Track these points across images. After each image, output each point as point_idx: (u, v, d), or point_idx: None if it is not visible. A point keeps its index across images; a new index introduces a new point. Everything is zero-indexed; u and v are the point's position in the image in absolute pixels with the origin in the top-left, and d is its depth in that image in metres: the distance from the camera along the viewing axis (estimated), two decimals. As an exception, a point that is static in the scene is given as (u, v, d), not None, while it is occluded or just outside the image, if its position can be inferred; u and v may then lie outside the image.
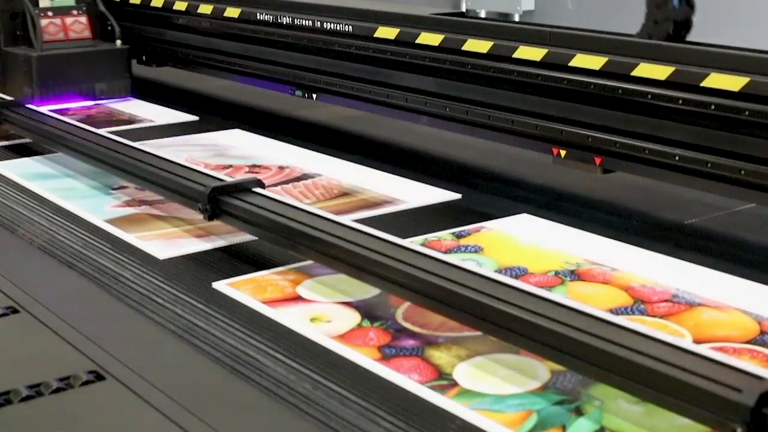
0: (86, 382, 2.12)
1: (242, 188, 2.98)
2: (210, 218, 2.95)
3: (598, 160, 3.21)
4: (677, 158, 2.93)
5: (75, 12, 4.88)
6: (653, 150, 3.01)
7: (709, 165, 2.85)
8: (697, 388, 1.71)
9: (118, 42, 4.91)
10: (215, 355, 2.26)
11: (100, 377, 2.13)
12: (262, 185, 3.03)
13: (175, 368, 2.24)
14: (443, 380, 2.10)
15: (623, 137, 3.10)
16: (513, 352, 2.20)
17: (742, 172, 2.76)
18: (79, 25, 4.87)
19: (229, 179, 3.10)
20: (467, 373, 2.14)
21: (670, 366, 1.77)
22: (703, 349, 1.81)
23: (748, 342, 2.19)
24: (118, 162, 3.39)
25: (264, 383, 2.13)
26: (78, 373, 2.13)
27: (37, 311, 2.48)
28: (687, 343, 1.88)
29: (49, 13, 4.81)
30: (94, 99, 4.85)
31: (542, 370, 2.10)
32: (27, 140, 4.13)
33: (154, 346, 2.36)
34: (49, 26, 4.80)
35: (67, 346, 2.31)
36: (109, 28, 4.98)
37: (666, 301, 2.48)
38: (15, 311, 2.46)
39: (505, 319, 2.10)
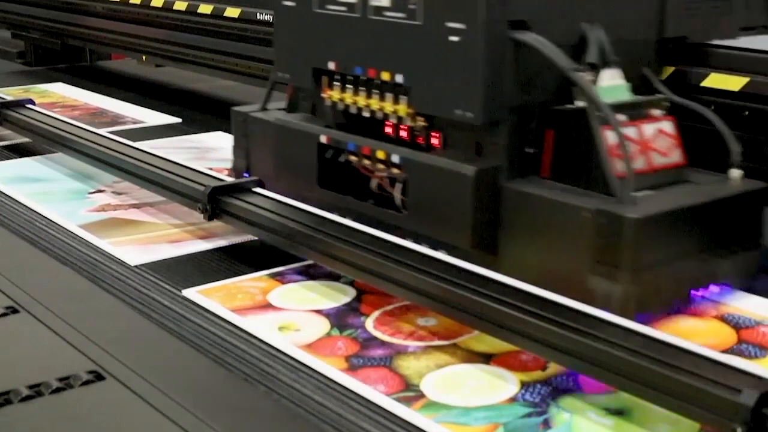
0: (86, 382, 2.09)
1: (242, 188, 2.92)
2: (210, 218, 2.89)
3: None
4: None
5: (656, 112, 2.51)
6: None
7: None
8: (697, 388, 1.70)
9: (737, 173, 2.52)
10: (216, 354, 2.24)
11: (100, 377, 2.11)
12: (263, 185, 2.98)
13: (175, 368, 2.23)
14: (410, 391, 2.05)
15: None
16: (483, 363, 2.15)
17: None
18: (665, 139, 2.48)
19: (229, 179, 3.04)
20: (435, 384, 2.08)
21: (670, 366, 1.76)
22: (703, 350, 1.80)
23: (725, 351, 2.15)
24: (118, 162, 3.37)
25: (265, 382, 2.10)
26: (78, 373, 2.10)
27: (37, 311, 2.45)
28: (687, 343, 1.86)
29: (620, 117, 2.37)
30: (711, 289, 2.42)
31: (511, 382, 2.06)
32: (26, 140, 4.09)
33: (154, 346, 2.35)
34: (630, 139, 2.39)
35: (67, 346, 2.29)
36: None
37: None
38: (15, 311, 2.44)
39: (505, 318, 2.08)
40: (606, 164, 2.30)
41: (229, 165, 3.34)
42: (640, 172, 2.36)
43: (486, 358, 2.15)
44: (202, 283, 2.63)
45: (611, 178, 2.29)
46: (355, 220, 2.63)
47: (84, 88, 5.25)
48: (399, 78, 2.60)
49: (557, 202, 2.34)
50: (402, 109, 2.61)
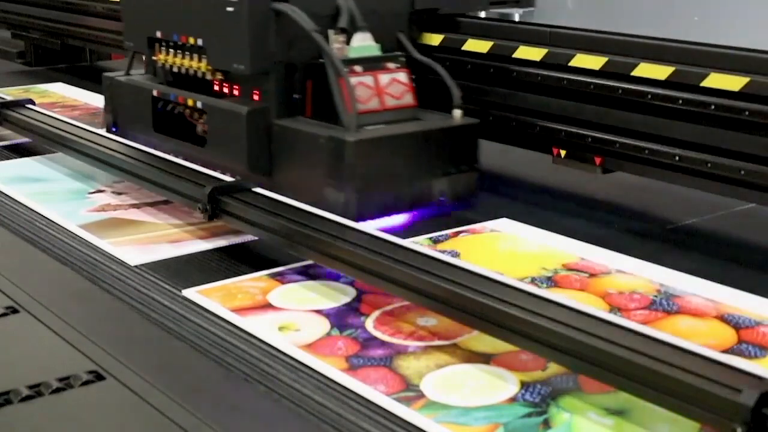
0: (86, 382, 2.07)
1: (242, 188, 2.93)
2: (210, 218, 2.90)
3: (598, 160, 3.21)
4: (677, 158, 2.93)
5: (391, 65, 3.16)
6: (653, 150, 3.01)
7: (709, 165, 2.86)
8: (697, 388, 1.70)
9: (458, 113, 3.20)
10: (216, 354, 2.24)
11: (100, 377, 2.09)
12: (262, 185, 2.99)
13: (175, 368, 2.22)
14: (410, 391, 2.06)
15: (623, 137, 3.10)
16: (483, 363, 2.16)
17: (742, 172, 2.76)
18: (398, 86, 3.11)
19: (229, 179, 3.04)
20: (435, 384, 2.09)
21: (670, 366, 1.76)
22: (704, 350, 1.79)
23: (725, 351, 2.14)
24: (119, 162, 3.37)
25: (265, 382, 2.09)
26: (78, 373, 2.09)
27: (37, 311, 2.44)
28: (687, 343, 1.85)
29: (357, 68, 3.08)
30: (431, 205, 3.13)
31: (511, 382, 2.06)
32: (27, 140, 4.08)
33: (154, 346, 2.34)
34: (358, 88, 3.05)
35: (67, 346, 2.28)
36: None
37: (644, 308, 2.43)
38: (15, 311, 2.44)
39: (505, 318, 2.08)
40: (339, 104, 3.01)
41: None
42: (374, 110, 3.08)
43: (486, 358, 2.15)
44: (202, 283, 2.62)
45: (342, 113, 3.00)
46: (183, 158, 3.28)
47: (84, 88, 5.22)
48: (200, 42, 3.35)
49: (305, 132, 3.08)
50: (204, 66, 3.37)
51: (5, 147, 4.09)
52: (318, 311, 2.47)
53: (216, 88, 3.39)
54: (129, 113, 3.79)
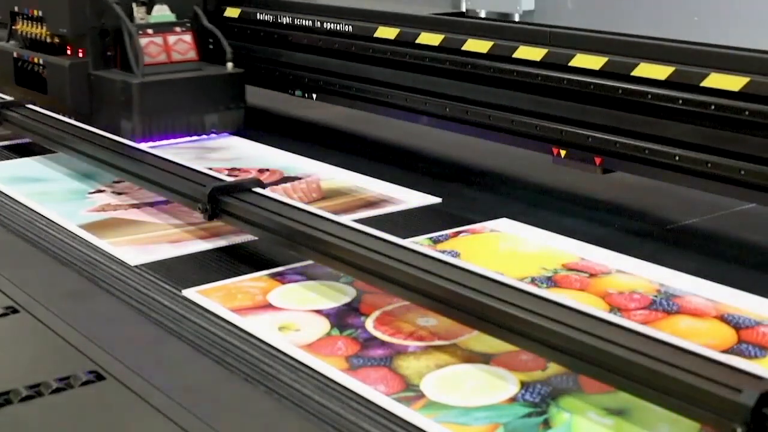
0: (86, 382, 2.09)
1: (242, 188, 2.94)
2: (210, 218, 2.90)
3: (598, 160, 3.21)
4: (677, 158, 2.93)
5: (178, 29, 4.19)
6: (653, 150, 3.01)
7: (709, 165, 2.86)
8: (697, 389, 1.70)
9: (230, 65, 4.25)
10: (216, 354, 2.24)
11: (100, 377, 2.10)
12: (263, 185, 3.00)
13: (174, 368, 2.23)
14: (410, 392, 2.06)
15: (623, 137, 3.10)
16: (483, 363, 2.16)
17: (742, 172, 2.77)
18: (183, 44, 4.15)
19: (229, 179, 3.05)
20: (435, 384, 2.09)
21: (670, 366, 1.76)
22: (703, 350, 1.79)
23: (725, 351, 2.14)
24: (119, 162, 3.38)
25: (265, 383, 2.10)
26: (78, 373, 2.11)
27: (37, 311, 2.45)
28: (687, 343, 1.85)
29: (149, 31, 4.14)
30: (204, 134, 4.20)
31: (511, 382, 2.07)
32: (27, 140, 4.12)
33: (154, 346, 2.34)
34: (150, 46, 4.10)
35: (67, 346, 2.30)
36: (211, 46, 4.38)
37: (643, 308, 2.43)
38: (15, 311, 2.45)
39: (505, 318, 2.08)
40: (132, 58, 4.09)
41: (230, 165, 3.85)
42: (162, 62, 4.13)
43: (486, 358, 2.15)
44: (202, 283, 2.61)
45: (132, 64, 4.08)
46: (37, 105, 4.09)
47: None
48: (40, 13, 4.37)
49: (108, 78, 4.13)
50: (44, 32, 4.37)
51: (4, 147, 4.11)
52: (318, 311, 2.47)
53: (57, 49, 4.38)
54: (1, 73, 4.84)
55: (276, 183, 3.59)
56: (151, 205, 3.33)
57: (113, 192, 3.49)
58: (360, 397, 2.06)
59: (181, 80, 4.11)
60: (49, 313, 2.46)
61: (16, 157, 3.98)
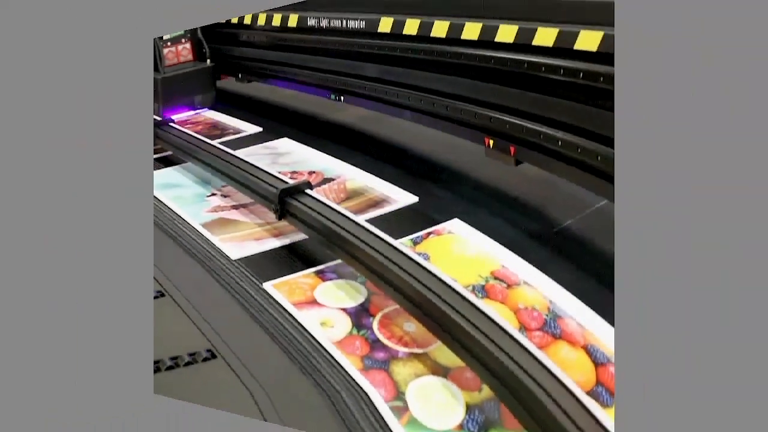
0: (206, 359, 2.41)
1: (298, 190, 3.25)
2: (279, 218, 3.23)
3: (512, 150, 3.14)
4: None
5: (183, 40, 5.92)
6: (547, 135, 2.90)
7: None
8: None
9: (208, 61, 5.94)
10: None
11: (213, 355, 2.44)
12: (311, 187, 3.29)
13: (257, 357, 2.44)
14: (399, 400, 2.00)
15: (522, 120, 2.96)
16: (443, 376, 2.09)
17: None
18: (185, 50, 5.95)
19: (291, 182, 3.31)
20: (414, 394, 2.03)
21: (554, 404, 1.91)
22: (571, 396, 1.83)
23: (588, 393, 2.02)
24: (220, 167, 3.83)
25: (314, 376, 2.33)
26: (200, 351, 2.44)
27: (176, 296, 2.83)
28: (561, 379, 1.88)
29: (168, 43, 5.86)
30: (194, 109, 5.88)
31: (460, 402, 2.03)
32: (169, 153, 4.58)
33: (244, 332, 2.57)
34: (168, 53, 5.85)
35: (193, 327, 2.61)
36: (204, 50, 5.89)
37: (539, 329, 2.34)
38: (162, 295, 2.90)
39: (454, 329, 2.16)
40: (158, 61, 5.52)
41: (291, 168, 3.97)
42: (175, 63, 5.70)
43: (445, 372, 2.16)
44: (275, 278, 2.87)
45: (159, 66, 5.56)
46: None
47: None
48: None
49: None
50: None
51: (157, 159, 4.54)
52: (344, 309, 2.50)
53: None
54: None
55: (320, 184, 3.80)
56: (244, 206, 3.62)
57: (221, 195, 3.84)
58: (369, 399, 2.12)
59: (184, 74, 5.82)
60: (182, 298, 2.81)
61: (162, 167, 4.42)
